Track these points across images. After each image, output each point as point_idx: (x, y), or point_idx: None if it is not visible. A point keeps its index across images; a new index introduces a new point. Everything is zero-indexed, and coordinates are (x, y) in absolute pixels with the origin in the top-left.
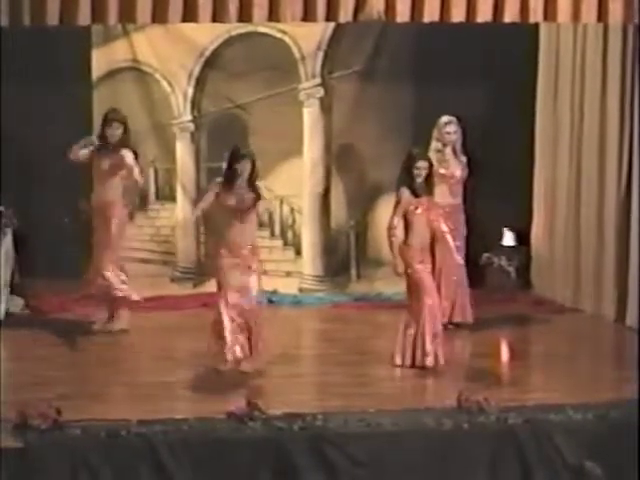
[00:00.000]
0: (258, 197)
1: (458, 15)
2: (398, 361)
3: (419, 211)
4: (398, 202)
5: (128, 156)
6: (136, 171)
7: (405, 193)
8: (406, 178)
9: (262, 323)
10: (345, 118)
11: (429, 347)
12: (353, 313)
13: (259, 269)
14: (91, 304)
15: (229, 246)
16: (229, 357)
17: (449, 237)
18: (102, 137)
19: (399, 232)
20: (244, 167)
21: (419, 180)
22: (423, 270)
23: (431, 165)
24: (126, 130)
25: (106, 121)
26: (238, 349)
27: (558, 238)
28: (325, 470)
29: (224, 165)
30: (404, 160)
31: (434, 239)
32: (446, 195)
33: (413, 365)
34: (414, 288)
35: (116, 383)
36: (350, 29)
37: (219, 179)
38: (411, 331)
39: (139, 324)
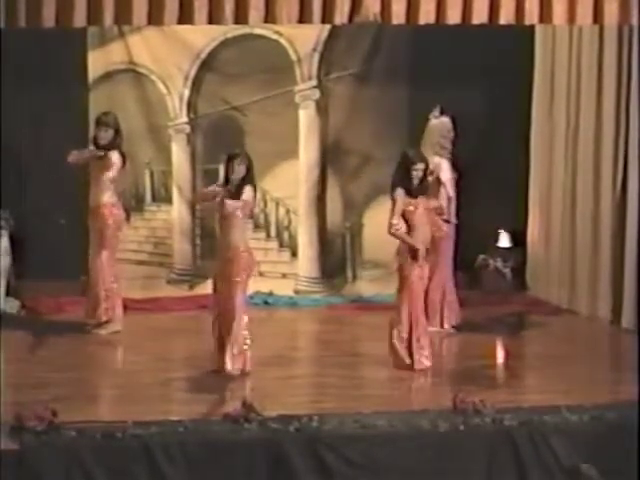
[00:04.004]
0: (241, 199)
1: (454, 17)
2: (393, 363)
3: (418, 212)
4: (394, 203)
5: (114, 156)
6: (113, 170)
7: (401, 194)
8: (403, 180)
9: (253, 326)
10: (341, 120)
11: (420, 350)
12: (349, 315)
13: (247, 279)
14: (86, 305)
15: (219, 253)
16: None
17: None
18: (94, 140)
19: (401, 226)
20: (235, 170)
21: (416, 181)
22: (418, 273)
23: (427, 166)
24: (117, 133)
25: (97, 124)
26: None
27: (554, 239)
28: (321, 472)
29: (220, 171)
30: (400, 161)
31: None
32: None
33: (403, 367)
34: (404, 291)
35: (112, 385)
36: (346, 31)
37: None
38: (399, 333)
39: (135, 326)
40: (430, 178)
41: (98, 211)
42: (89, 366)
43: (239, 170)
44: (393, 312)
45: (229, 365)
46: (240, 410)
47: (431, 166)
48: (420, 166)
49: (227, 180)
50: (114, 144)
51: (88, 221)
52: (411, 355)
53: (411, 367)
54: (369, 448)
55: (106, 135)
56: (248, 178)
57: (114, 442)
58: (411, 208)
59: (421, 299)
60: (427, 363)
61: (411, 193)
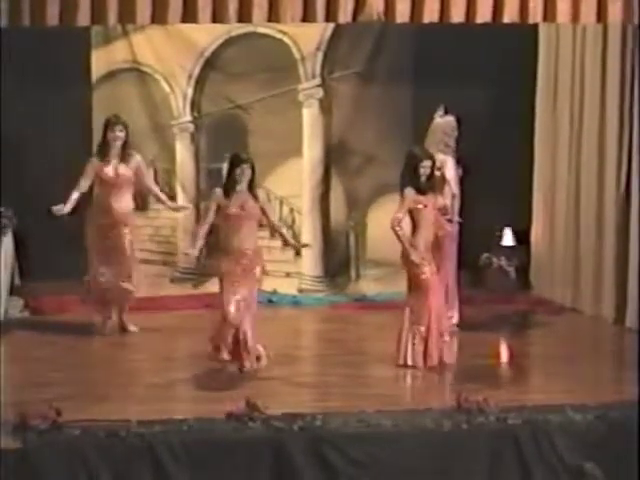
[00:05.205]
0: (258, 203)
1: (457, 15)
2: (401, 361)
3: (425, 209)
4: (402, 200)
5: (143, 164)
6: (150, 180)
7: (411, 192)
8: (412, 178)
9: (257, 325)
10: (344, 119)
11: (434, 348)
12: (352, 313)
13: (261, 276)
14: (91, 306)
15: (230, 253)
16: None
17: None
18: (104, 142)
19: (404, 225)
20: (244, 173)
21: (424, 179)
22: (429, 270)
23: (434, 163)
24: (127, 135)
25: (112, 124)
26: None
27: (558, 238)
28: (324, 470)
29: (224, 170)
30: (407, 160)
31: (436, 238)
32: None
33: (416, 365)
34: (419, 288)
35: (115, 383)
36: (350, 30)
37: (218, 189)
38: (415, 331)
39: (138, 324)
40: (438, 173)
41: (120, 219)
42: (92, 365)
43: (248, 173)
44: (408, 311)
45: (247, 363)
46: (244, 409)
47: (437, 163)
48: (427, 163)
49: (228, 187)
50: (127, 144)
51: (103, 229)
52: (425, 354)
53: (415, 366)
54: (373, 447)
55: (121, 135)
56: (253, 182)
57: (118, 441)
58: (420, 206)
59: (440, 295)
60: (448, 360)
61: (420, 190)
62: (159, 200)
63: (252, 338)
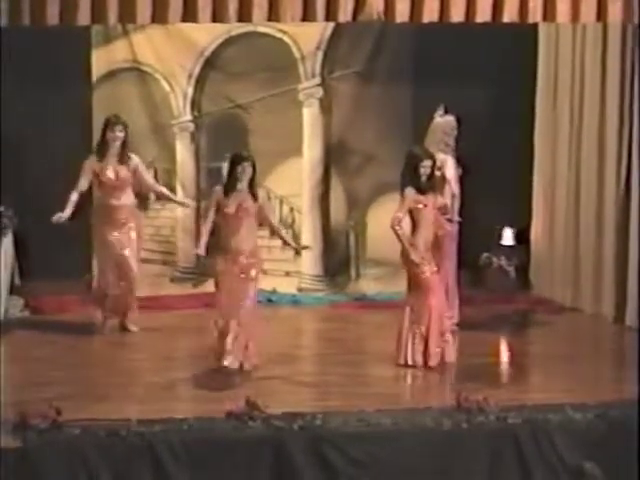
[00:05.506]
0: (257, 202)
1: (457, 15)
2: (401, 360)
3: (425, 208)
4: (403, 200)
5: (142, 166)
6: (150, 179)
7: (411, 192)
8: (412, 177)
9: (255, 324)
10: (344, 118)
11: (434, 347)
12: (352, 313)
13: (258, 276)
14: (90, 306)
15: (228, 252)
16: (227, 362)
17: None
18: (103, 142)
19: (404, 224)
20: (245, 171)
21: (424, 178)
22: (429, 269)
23: (434, 162)
24: (127, 135)
25: (112, 124)
26: (236, 354)
27: (557, 238)
28: (324, 470)
29: (224, 169)
30: (407, 160)
31: (436, 238)
32: None
33: (416, 365)
34: (420, 287)
35: (115, 383)
36: (350, 29)
37: (219, 187)
38: (416, 330)
39: (138, 324)
40: (438, 173)
41: (124, 217)
42: (93, 364)
43: (249, 172)
44: (408, 310)
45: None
46: (244, 408)
47: (437, 162)
48: (427, 163)
49: (229, 185)
50: (127, 145)
51: (108, 225)
52: (425, 353)
53: (415, 366)
54: (373, 446)
55: (121, 135)
56: (253, 181)
57: (118, 440)
58: (420, 206)
59: (440, 294)
60: (449, 359)
61: (420, 190)
62: (163, 196)
63: (251, 339)
